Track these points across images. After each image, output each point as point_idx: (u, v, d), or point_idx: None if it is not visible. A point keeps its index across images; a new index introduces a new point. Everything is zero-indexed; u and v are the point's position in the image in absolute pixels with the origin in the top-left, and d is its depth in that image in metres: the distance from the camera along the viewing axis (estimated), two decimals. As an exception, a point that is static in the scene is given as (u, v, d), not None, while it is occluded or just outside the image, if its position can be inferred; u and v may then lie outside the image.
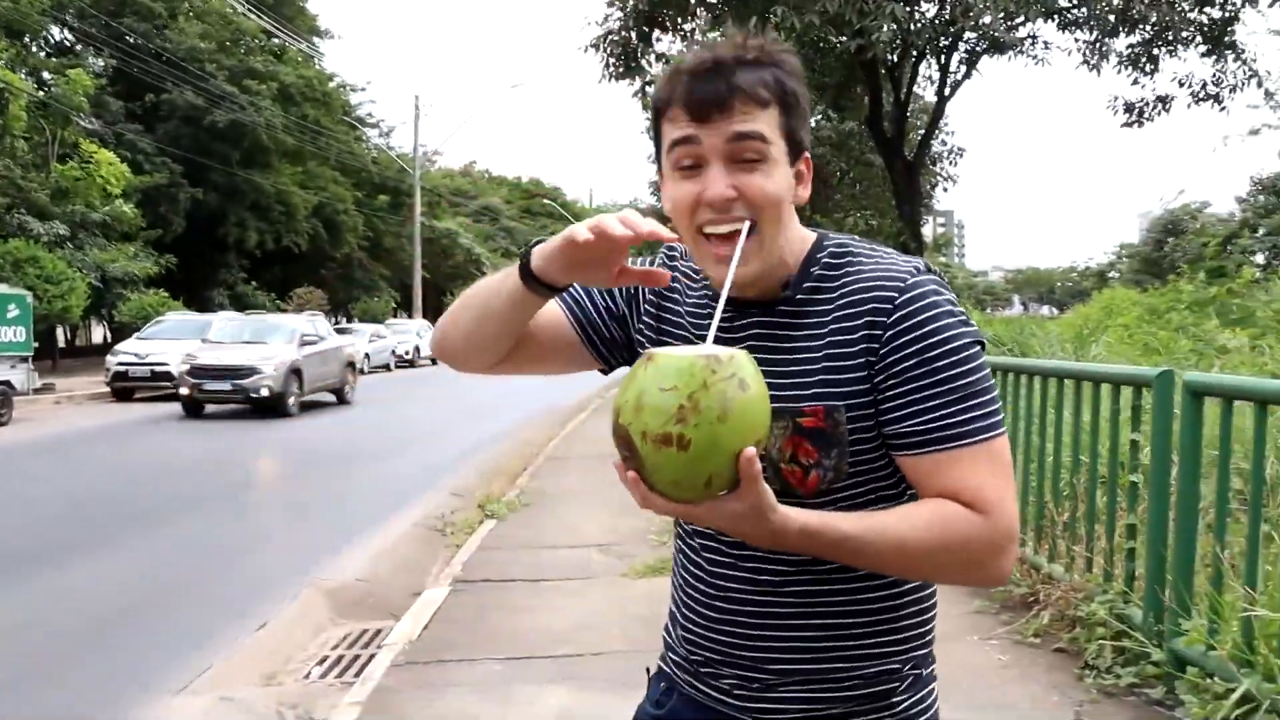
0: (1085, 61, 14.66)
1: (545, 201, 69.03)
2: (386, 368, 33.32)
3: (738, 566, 1.42)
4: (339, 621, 5.98)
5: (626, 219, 1.27)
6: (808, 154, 1.41)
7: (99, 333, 37.07)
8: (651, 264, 1.54)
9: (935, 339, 1.29)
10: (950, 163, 23.44)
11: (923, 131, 16.23)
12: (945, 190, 25.16)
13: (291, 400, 17.39)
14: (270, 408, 17.04)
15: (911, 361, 1.29)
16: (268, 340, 18.29)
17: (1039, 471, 5.41)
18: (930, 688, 1.49)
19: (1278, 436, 5.06)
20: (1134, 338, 12.31)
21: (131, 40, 32.48)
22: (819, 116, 20.24)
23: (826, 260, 1.38)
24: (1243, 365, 7.60)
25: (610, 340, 1.58)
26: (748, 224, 1.32)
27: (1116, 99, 15.92)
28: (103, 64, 32.31)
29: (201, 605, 6.18)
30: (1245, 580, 3.64)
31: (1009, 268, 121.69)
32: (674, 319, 1.51)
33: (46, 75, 29.21)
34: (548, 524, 7.89)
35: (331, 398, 19.88)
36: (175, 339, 21.51)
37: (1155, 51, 14.57)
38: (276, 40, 39.95)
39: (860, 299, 1.33)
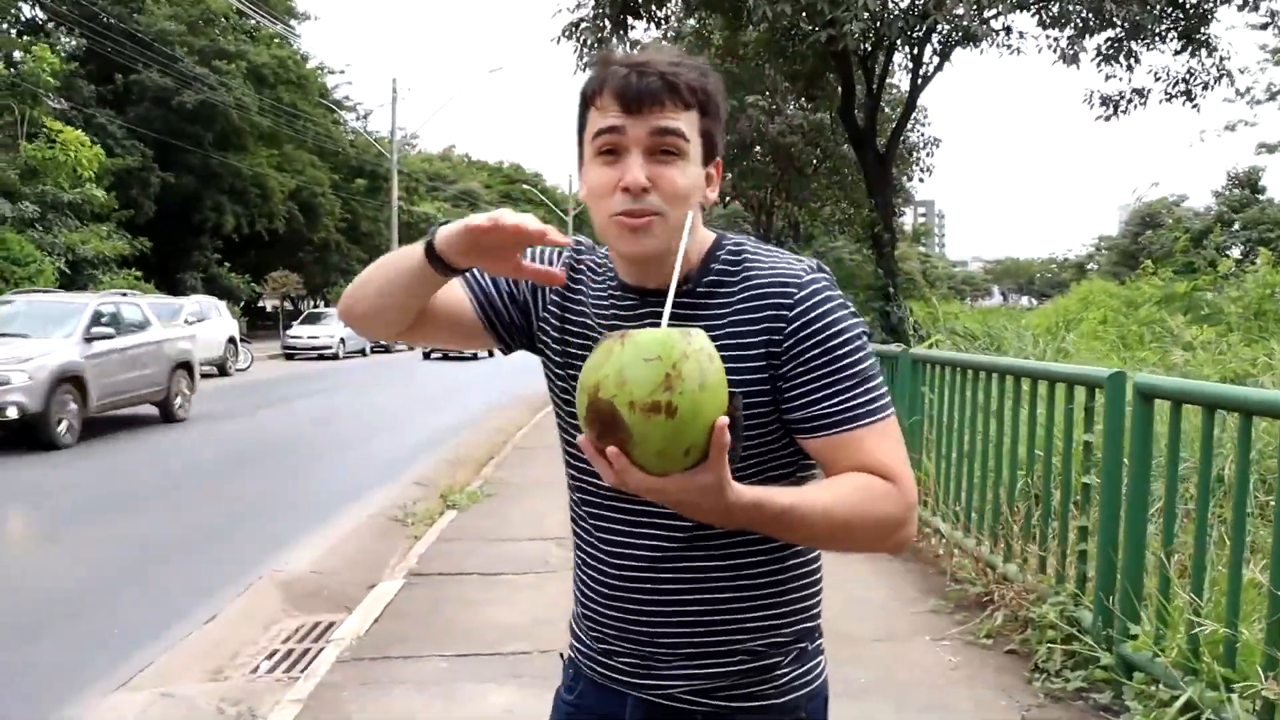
0: (1062, 57, 14.62)
1: (525, 187, 68.77)
2: (362, 352, 33.30)
3: (631, 545, 1.52)
4: (292, 614, 5.90)
5: (522, 218, 1.36)
6: (719, 159, 1.51)
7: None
8: (560, 252, 1.61)
9: (833, 330, 1.42)
10: (926, 153, 23.40)
11: (895, 122, 16.17)
12: (921, 181, 25.12)
13: (61, 424, 11.51)
14: (27, 432, 11.24)
15: (815, 351, 1.41)
16: (36, 333, 12.24)
17: (996, 470, 5.39)
18: (817, 662, 1.57)
19: (1234, 437, 5.03)
20: (1108, 331, 12.34)
21: (103, 20, 32.08)
22: (791, 105, 20.19)
23: (725, 257, 1.49)
24: (1206, 363, 7.59)
25: (510, 324, 1.65)
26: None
27: (1092, 93, 15.89)
28: (74, 44, 31.92)
29: (151, 599, 6.08)
30: (1192, 587, 3.61)
31: (989, 258, 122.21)
32: (578, 309, 1.58)
33: (16, 54, 28.80)
34: (510, 515, 7.82)
35: (154, 411, 14.16)
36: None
37: (1132, 46, 14.54)
38: (251, 21, 39.56)
39: (760, 293, 1.44)
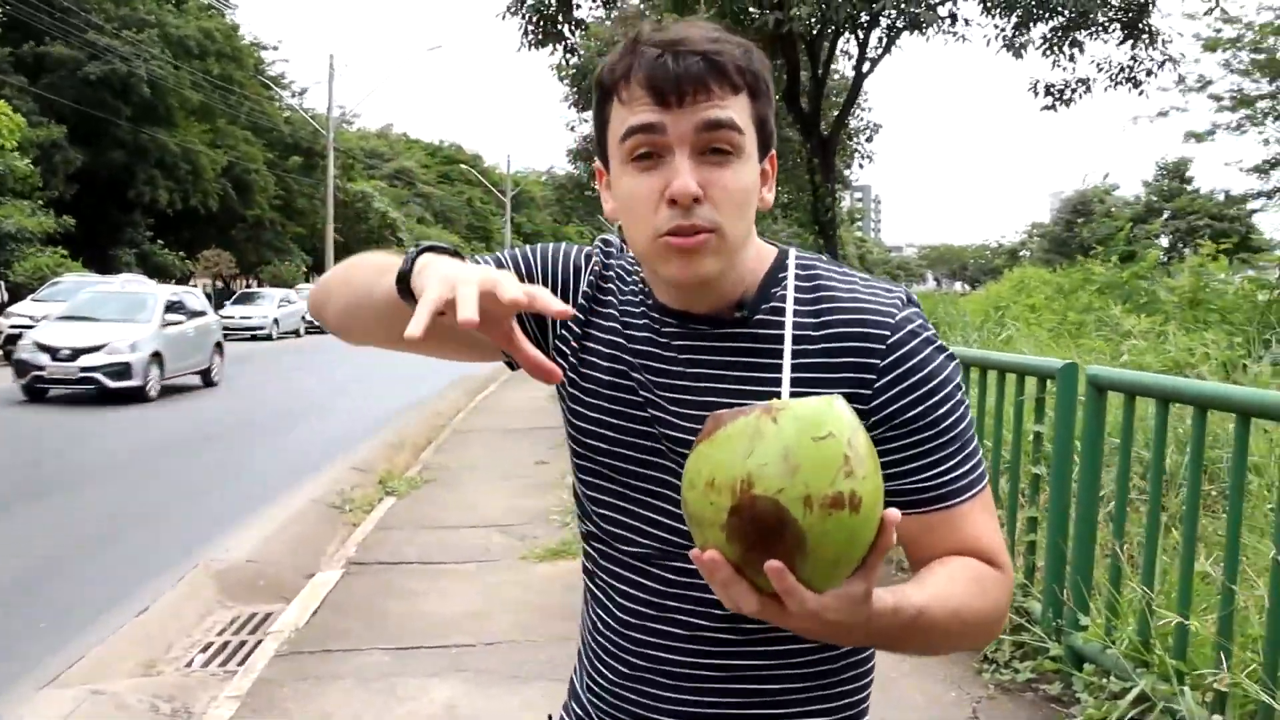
0: (1006, 46, 14.68)
1: (464, 167, 68.14)
2: (296, 333, 32.80)
3: (658, 619, 1.26)
4: (227, 605, 5.74)
5: (518, 289, 1.00)
6: (774, 150, 1.24)
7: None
8: (588, 256, 1.34)
9: (934, 384, 1.17)
10: (867, 139, 23.48)
11: (839, 108, 16.20)
12: (862, 166, 25.12)
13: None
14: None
15: (914, 412, 1.16)
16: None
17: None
18: None
19: (1179, 430, 5.06)
20: (1041, 318, 12.44)
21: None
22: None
23: (792, 281, 1.23)
24: (1147, 352, 7.66)
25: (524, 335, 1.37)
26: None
27: (1037, 82, 15.97)
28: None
29: (81, 588, 5.88)
30: (1143, 578, 3.61)
31: (923, 244, 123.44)
32: (605, 324, 1.30)
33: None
34: (449, 502, 7.71)
35: None
36: (73, 301, 20.85)
37: (1077, 36, 14.63)
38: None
39: (840, 334, 1.17)
